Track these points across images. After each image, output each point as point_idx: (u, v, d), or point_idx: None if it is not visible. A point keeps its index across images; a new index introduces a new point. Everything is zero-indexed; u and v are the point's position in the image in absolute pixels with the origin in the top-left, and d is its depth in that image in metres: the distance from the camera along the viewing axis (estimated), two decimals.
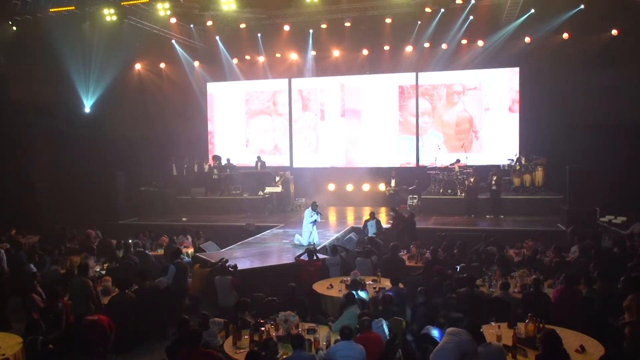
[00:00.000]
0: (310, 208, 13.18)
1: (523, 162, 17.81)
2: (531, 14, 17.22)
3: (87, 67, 17.73)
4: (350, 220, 16.96)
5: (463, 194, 17.31)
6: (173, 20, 17.73)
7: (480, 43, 18.97)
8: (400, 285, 8.90)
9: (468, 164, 18.25)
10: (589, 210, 14.51)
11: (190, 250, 13.09)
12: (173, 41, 20.00)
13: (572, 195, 14.83)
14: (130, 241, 12.52)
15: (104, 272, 10.75)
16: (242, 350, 6.58)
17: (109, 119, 19.16)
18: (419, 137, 20.43)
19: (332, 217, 17.87)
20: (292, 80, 21.61)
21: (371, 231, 13.79)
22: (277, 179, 18.99)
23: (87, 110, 18.76)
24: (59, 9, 15.87)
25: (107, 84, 18.77)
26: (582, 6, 16.57)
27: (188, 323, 6.93)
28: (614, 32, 17.01)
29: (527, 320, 6.85)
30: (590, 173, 15.06)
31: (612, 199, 15.60)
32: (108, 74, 18.56)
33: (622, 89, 16.19)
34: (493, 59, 18.98)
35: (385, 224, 14.72)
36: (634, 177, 15.72)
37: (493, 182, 16.97)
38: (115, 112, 19.39)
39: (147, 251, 12.26)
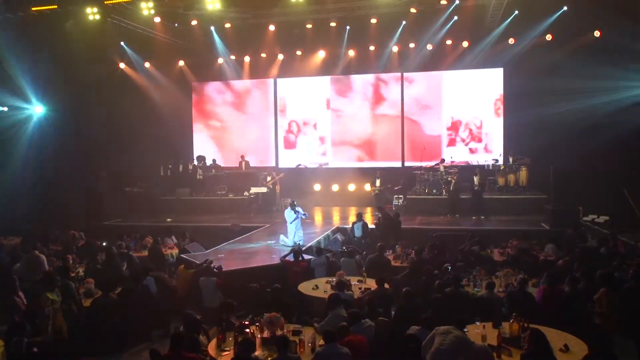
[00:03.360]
0: (289, 208, 13.14)
1: (509, 161, 17.93)
2: (515, 15, 17.34)
3: (69, 66, 17.48)
4: (336, 221, 16.95)
5: (446, 194, 17.38)
6: (157, 19, 17.56)
7: (465, 44, 19.06)
8: (386, 286, 8.90)
9: (453, 163, 18.32)
10: (572, 209, 14.64)
11: (175, 252, 12.98)
12: (157, 40, 19.81)
13: (555, 194, 14.96)
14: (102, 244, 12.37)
15: (83, 273, 10.58)
16: (226, 352, 6.52)
17: (93, 119, 18.94)
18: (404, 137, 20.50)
19: (318, 217, 17.85)
20: (278, 80, 21.53)
21: (357, 233, 13.77)
22: (269, 179, 18.92)
23: (69, 109, 18.51)
24: (41, 8, 15.65)
25: (90, 83, 18.55)
26: (565, 8, 16.73)
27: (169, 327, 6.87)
28: (597, 33, 17.18)
29: (511, 320, 6.88)
30: (573, 173, 15.21)
31: (595, 199, 15.76)
32: (91, 73, 18.35)
33: (604, 89, 16.34)
34: (477, 60, 19.09)
35: (371, 225, 14.72)
36: (616, 177, 15.89)
37: (476, 182, 17.05)
38: (98, 112, 19.17)
39: (131, 252, 12.12)
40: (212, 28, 19.62)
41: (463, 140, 20.06)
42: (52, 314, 8.03)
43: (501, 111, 19.61)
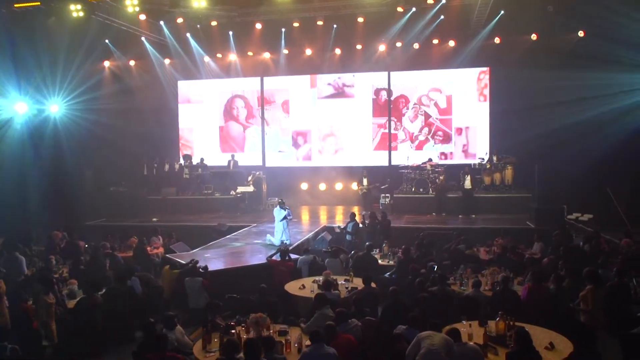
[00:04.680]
0: (278, 206, 13.12)
1: (494, 160, 18.04)
2: (501, 15, 17.43)
3: (53, 64, 17.26)
4: (323, 220, 16.93)
5: (433, 193, 17.44)
6: (142, 17, 17.40)
7: (451, 43, 19.13)
8: (373, 285, 8.90)
9: (440, 162, 18.38)
10: (556, 208, 14.76)
11: (161, 252, 12.88)
12: (143, 38, 19.66)
13: (540, 193, 15.08)
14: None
15: (67, 274, 10.46)
16: (212, 354, 6.47)
17: (76, 117, 18.71)
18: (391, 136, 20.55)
19: (305, 216, 17.81)
20: (265, 78, 21.46)
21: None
22: (249, 178, 18.83)
23: (53, 108, 18.28)
24: (24, 5, 15.45)
25: (75, 81, 18.32)
26: (550, 8, 16.84)
27: (154, 327, 6.79)
28: (581, 33, 17.32)
29: (497, 319, 6.90)
30: (558, 172, 15.35)
31: (579, 197, 15.91)
32: (75, 71, 18.12)
33: (588, 89, 16.48)
34: (464, 59, 19.16)
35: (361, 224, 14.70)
36: (600, 176, 16.03)
37: (466, 181, 17.12)
38: (82, 110, 18.94)
39: (115, 253, 12.01)
40: (188, 34, 19.56)
41: (444, 140, 20.14)
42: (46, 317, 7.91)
43: (487, 110, 19.69)
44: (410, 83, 20.51)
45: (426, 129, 20.35)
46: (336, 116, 21.03)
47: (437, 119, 20.29)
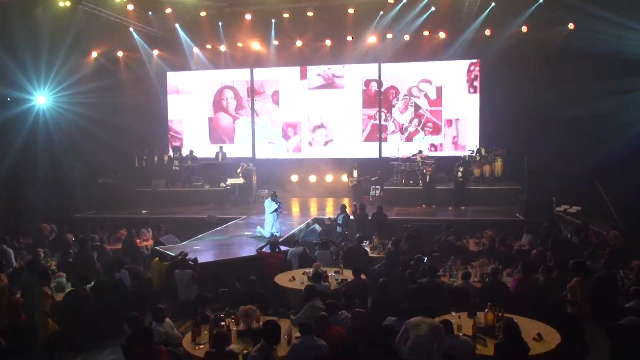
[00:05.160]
0: (269, 198, 13.09)
1: (483, 153, 18.11)
2: (492, 7, 17.42)
3: (40, 55, 17.04)
4: (314, 211, 16.93)
5: (422, 185, 17.48)
6: (130, 7, 17.21)
7: (442, 35, 19.11)
8: (362, 277, 8.91)
9: (430, 154, 18.42)
10: (545, 200, 14.84)
11: (150, 244, 12.83)
12: (131, 29, 19.45)
13: (529, 185, 15.16)
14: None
15: (55, 267, 10.38)
16: (201, 346, 6.44)
17: (64, 109, 18.53)
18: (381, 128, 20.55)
19: (295, 208, 17.79)
20: (255, 70, 21.35)
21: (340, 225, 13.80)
22: (239, 170, 18.77)
23: (41, 100, 18.09)
24: None
25: (62, 72, 18.11)
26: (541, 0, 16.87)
27: (140, 320, 6.76)
28: (571, 26, 17.36)
29: (486, 310, 6.93)
30: (547, 164, 15.43)
31: (568, 189, 16.01)
32: (63, 62, 17.90)
33: (578, 82, 16.55)
34: (454, 51, 19.17)
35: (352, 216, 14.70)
36: (589, 168, 16.14)
37: (459, 173, 17.15)
38: (70, 102, 18.75)
39: (104, 245, 11.94)
40: (177, 25, 19.37)
41: (434, 132, 20.17)
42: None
43: (477, 102, 19.73)
44: (401, 74, 20.50)
45: (416, 120, 20.37)
46: (326, 107, 21.00)
47: (427, 110, 20.31)
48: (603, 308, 7.80)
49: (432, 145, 20.06)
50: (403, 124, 20.49)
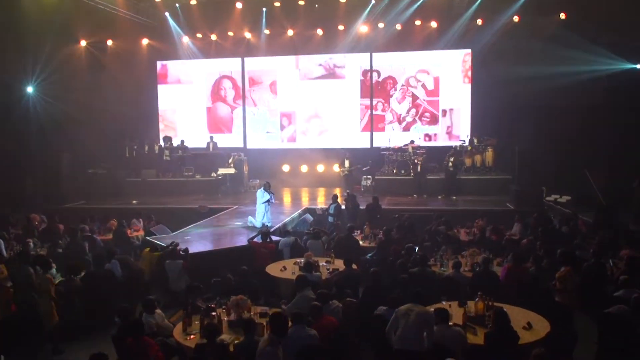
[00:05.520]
0: (262, 188, 13.07)
1: (475, 143, 18.14)
2: None
3: (28, 44, 16.83)
4: (305, 201, 16.93)
5: (413, 175, 17.51)
6: None
7: (434, 24, 19.07)
8: (354, 267, 8.92)
9: (421, 144, 18.44)
10: (536, 190, 14.92)
11: (141, 234, 12.78)
12: (120, 17, 19.20)
13: (520, 175, 15.23)
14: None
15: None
16: (192, 336, 6.44)
17: (53, 98, 18.35)
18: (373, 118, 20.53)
19: (287, 198, 17.78)
20: (245, 59, 21.22)
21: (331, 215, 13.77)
22: (230, 159, 18.70)
23: (29, 89, 17.91)
24: None
25: (51, 61, 17.91)
26: None
27: (129, 312, 6.75)
28: (562, 15, 17.38)
29: (476, 299, 6.97)
30: (537, 154, 15.51)
31: (558, 179, 16.12)
32: (51, 51, 17.70)
33: (569, 72, 16.59)
34: (446, 41, 19.13)
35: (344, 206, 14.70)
36: (578, 158, 16.25)
37: (450, 163, 17.18)
38: (59, 91, 18.56)
39: (95, 235, 11.87)
40: (167, 14, 19.16)
41: (431, 121, 20.17)
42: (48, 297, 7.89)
43: (468, 92, 19.73)
44: (398, 64, 20.38)
45: (413, 110, 20.28)
46: (322, 98, 20.83)
47: (424, 100, 20.22)
48: (592, 297, 7.87)
49: (426, 135, 20.02)
50: (400, 114, 20.41)
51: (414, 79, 20.30)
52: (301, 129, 21.15)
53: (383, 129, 20.49)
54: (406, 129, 20.31)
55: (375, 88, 20.57)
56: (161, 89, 21.85)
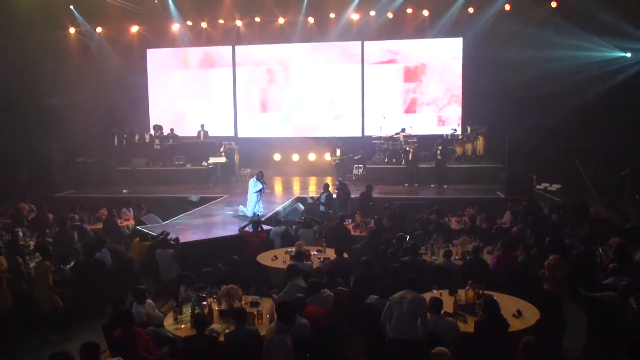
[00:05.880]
0: (255, 177, 13.02)
1: (469, 131, 18.15)
2: None
3: (15, 31, 16.58)
4: (296, 190, 16.90)
5: (405, 164, 17.52)
6: None
7: (425, 12, 18.99)
8: (345, 255, 8.93)
9: (413, 133, 18.43)
10: (526, 178, 14.99)
11: (131, 224, 12.71)
12: (109, 4, 18.95)
13: (510, 163, 15.28)
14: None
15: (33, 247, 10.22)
16: (183, 326, 6.43)
17: (43, 86, 18.14)
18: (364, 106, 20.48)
19: (278, 187, 17.76)
20: (236, 47, 21.05)
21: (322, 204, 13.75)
22: (221, 148, 18.61)
23: (17, 77, 17.65)
24: None
25: (39, 49, 17.68)
26: None
27: (122, 301, 6.72)
28: (553, 4, 17.37)
29: (467, 287, 7.00)
30: (528, 142, 15.57)
31: (548, 167, 16.19)
32: (39, 38, 17.46)
33: (560, 60, 16.62)
34: (437, 29, 19.08)
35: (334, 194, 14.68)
36: (568, 146, 16.33)
37: (438, 151, 17.20)
38: (49, 79, 18.35)
39: (84, 225, 11.80)
40: (157, 0, 18.95)
41: (422, 109, 20.14)
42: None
43: (460, 80, 19.71)
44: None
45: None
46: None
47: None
48: (581, 285, 7.92)
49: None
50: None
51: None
52: (293, 117, 21.06)
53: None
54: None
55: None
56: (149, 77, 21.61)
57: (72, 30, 19.93)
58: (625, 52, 16.81)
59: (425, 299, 6.32)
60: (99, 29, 20.32)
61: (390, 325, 6.16)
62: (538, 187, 15.85)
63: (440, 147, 17.19)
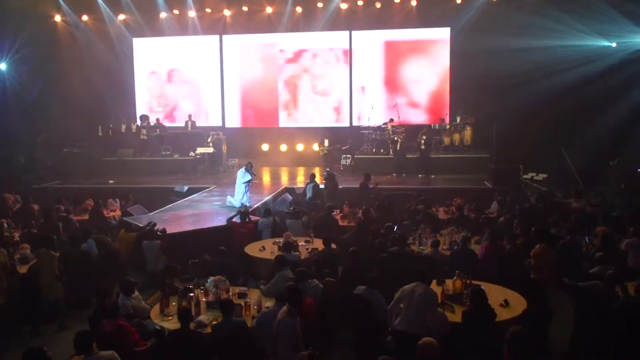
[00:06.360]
0: (244, 168, 12.94)
1: (458, 121, 18.17)
2: None
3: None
4: (285, 181, 16.85)
5: (393, 154, 17.51)
6: None
7: (413, 2, 18.93)
8: (333, 246, 8.91)
9: (400, 123, 18.42)
10: (513, 168, 15.06)
11: (118, 214, 12.61)
12: None
13: (498, 153, 15.34)
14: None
15: (19, 238, 10.11)
16: (170, 318, 6.38)
17: (27, 76, 17.88)
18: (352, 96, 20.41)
19: (266, 177, 17.69)
20: (224, 37, 20.87)
21: (309, 194, 13.63)
22: (209, 139, 18.49)
23: (1, 66, 17.40)
24: None
25: (24, 38, 17.41)
26: None
27: (107, 293, 6.66)
28: None
29: (454, 277, 7.02)
30: (515, 132, 15.63)
31: (535, 157, 16.27)
32: (24, 27, 17.18)
33: (546, 51, 16.66)
34: (425, 19, 19.04)
35: (322, 185, 14.63)
36: (555, 136, 16.42)
37: (422, 141, 17.20)
38: (33, 69, 18.10)
39: (70, 216, 11.69)
40: None
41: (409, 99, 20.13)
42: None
43: (447, 70, 19.70)
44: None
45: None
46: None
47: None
48: (567, 274, 7.97)
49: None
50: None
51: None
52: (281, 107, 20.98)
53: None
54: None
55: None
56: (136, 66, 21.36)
57: (57, 18, 19.61)
58: (611, 42, 16.88)
59: (436, 293, 6.30)
60: (85, 17, 20.01)
61: (399, 318, 6.09)
62: (525, 176, 15.94)
63: (424, 137, 17.19)
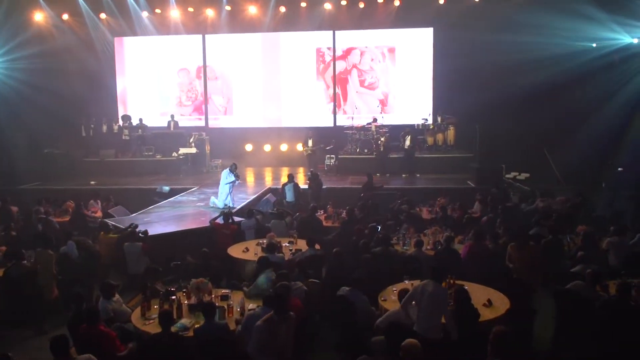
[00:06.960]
0: (228, 169, 12.85)
1: (439, 121, 18.23)
2: None
3: None
4: (269, 181, 16.77)
5: (376, 154, 17.52)
6: None
7: (397, 2, 18.96)
8: (317, 247, 8.87)
9: (384, 123, 18.45)
10: (495, 167, 15.15)
11: (99, 216, 12.42)
12: None
13: (481, 153, 15.43)
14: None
15: None
16: (151, 321, 6.28)
17: (6, 75, 17.57)
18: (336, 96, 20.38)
19: (250, 178, 17.60)
20: (206, 36, 20.72)
21: (289, 196, 13.50)
22: (191, 139, 18.34)
23: None
24: None
25: (3, 36, 17.10)
26: None
27: (84, 298, 6.56)
28: None
29: None
30: (498, 132, 15.72)
31: (517, 157, 16.37)
32: (3, 25, 16.88)
33: (528, 51, 16.76)
34: (408, 19, 19.08)
35: (303, 185, 14.58)
36: (537, 136, 16.54)
37: (407, 141, 17.24)
38: (12, 67, 17.80)
39: (50, 217, 11.50)
40: None
41: (393, 99, 20.17)
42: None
43: (430, 70, 19.76)
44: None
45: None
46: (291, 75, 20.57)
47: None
48: (550, 273, 8.03)
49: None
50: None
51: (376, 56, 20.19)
52: (263, 107, 20.87)
53: None
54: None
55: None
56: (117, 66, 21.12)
57: (38, 17, 19.29)
58: (592, 43, 17.03)
59: (446, 290, 6.22)
60: (65, 16, 19.72)
61: (416, 320, 5.93)
62: (507, 176, 16.04)
63: (408, 137, 17.22)
